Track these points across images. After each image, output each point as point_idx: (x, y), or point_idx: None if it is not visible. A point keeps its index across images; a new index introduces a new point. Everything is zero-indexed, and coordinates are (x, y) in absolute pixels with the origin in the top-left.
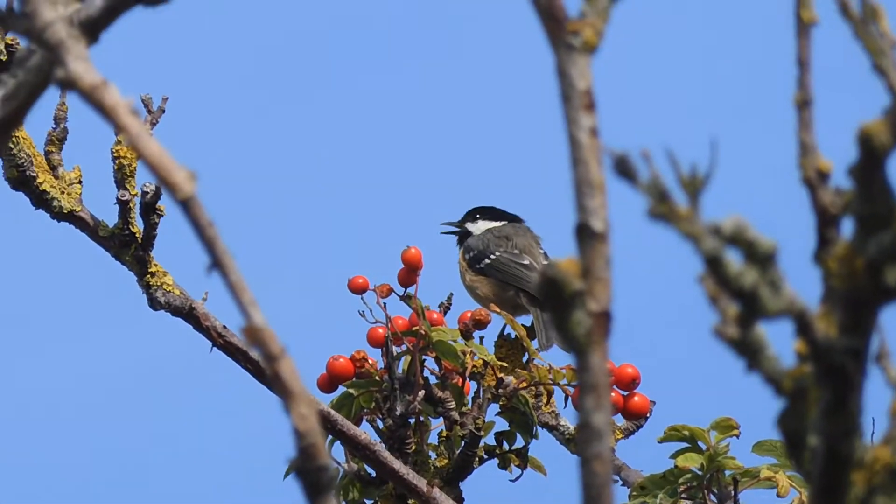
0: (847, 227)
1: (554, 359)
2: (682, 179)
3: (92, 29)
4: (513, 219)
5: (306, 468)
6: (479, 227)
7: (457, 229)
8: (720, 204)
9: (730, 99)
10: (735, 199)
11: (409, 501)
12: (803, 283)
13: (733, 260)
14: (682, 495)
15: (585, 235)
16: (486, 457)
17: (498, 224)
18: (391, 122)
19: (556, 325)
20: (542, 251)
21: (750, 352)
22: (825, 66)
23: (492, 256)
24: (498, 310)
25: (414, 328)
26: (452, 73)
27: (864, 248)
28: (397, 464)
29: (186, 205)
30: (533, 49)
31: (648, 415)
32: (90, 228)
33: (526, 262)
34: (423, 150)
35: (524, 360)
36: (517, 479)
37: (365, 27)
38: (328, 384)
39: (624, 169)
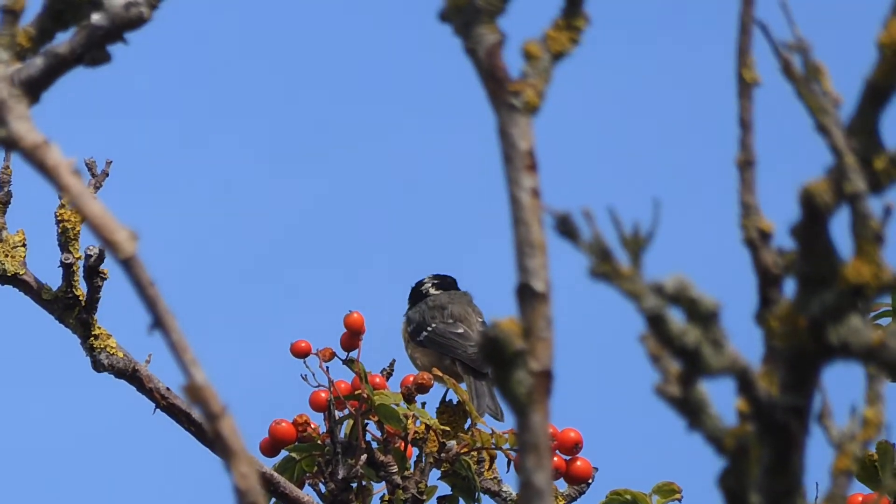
0: (789, 287)
1: (496, 425)
2: (624, 239)
3: (33, 89)
4: (453, 286)
5: None
6: (432, 292)
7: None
8: (662, 264)
9: (672, 159)
10: (677, 258)
11: None
12: (746, 342)
13: (676, 318)
14: None
15: (527, 295)
16: None
17: (432, 295)
18: (335, 185)
19: (498, 385)
20: (479, 319)
21: (692, 410)
22: (768, 126)
23: (429, 328)
24: (441, 374)
25: (356, 392)
26: (393, 135)
27: (806, 307)
28: None
29: (128, 264)
30: (475, 109)
31: (591, 480)
32: (34, 291)
33: (460, 330)
34: (365, 211)
35: (466, 425)
36: None
37: (308, 94)
38: (270, 448)
39: (566, 228)
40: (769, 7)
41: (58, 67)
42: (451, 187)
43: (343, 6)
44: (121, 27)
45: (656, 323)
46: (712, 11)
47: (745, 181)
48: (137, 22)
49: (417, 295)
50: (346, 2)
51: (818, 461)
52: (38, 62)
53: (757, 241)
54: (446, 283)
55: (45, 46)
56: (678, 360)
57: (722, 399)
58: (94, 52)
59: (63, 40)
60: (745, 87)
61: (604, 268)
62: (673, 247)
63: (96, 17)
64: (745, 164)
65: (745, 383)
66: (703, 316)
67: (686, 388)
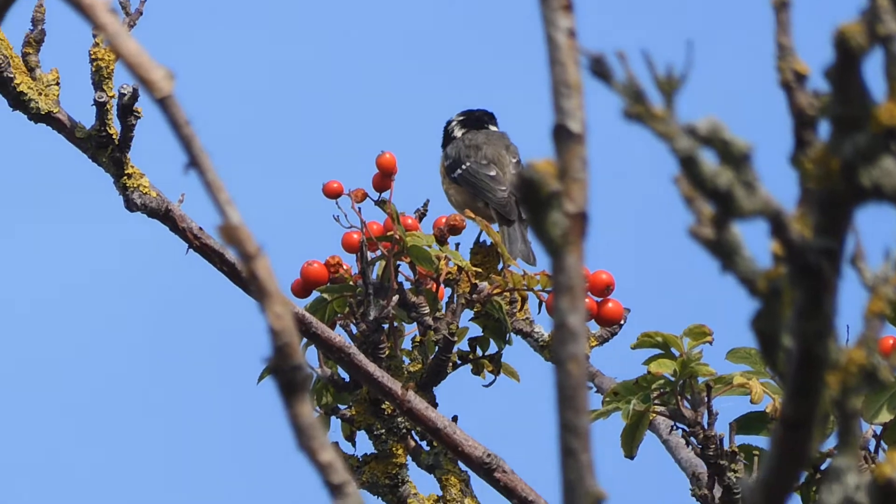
0: (824, 129)
1: (528, 268)
2: (657, 80)
3: None
4: (483, 122)
5: (281, 368)
6: (457, 132)
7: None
8: (696, 105)
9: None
10: (711, 100)
11: (383, 405)
12: (781, 185)
13: (708, 160)
14: (655, 401)
15: (562, 136)
16: (459, 362)
17: (472, 131)
18: (371, 26)
19: (533, 227)
20: (513, 160)
21: (725, 252)
22: None
23: (463, 167)
24: (473, 216)
25: (389, 233)
26: None
27: (839, 150)
28: (372, 367)
29: (164, 103)
30: None
31: (623, 322)
32: (67, 130)
33: (492, 173)
34: (402, 53)
35: (499, 266)
36: (490, 384)
37: None
38: (302, 289)
39: (600, 69)
40: None
41: None
42: (489, 28)
43: None
44: None
45: (689, 165)
46: None
47: (780, 22)
48: None
49: (446, 135)
50: None
51: (851, 304)
52: None
53: (792, 82)
54: (473, 118)
55: None
56: (711, 202)
57: (756, 243)
58: None
59: None
60: None
61: (637, 109)
62: (706, 88)
63: None
64: (781, 6)
65: (777, 226)
66: (735, 158)
67: (719, 230)
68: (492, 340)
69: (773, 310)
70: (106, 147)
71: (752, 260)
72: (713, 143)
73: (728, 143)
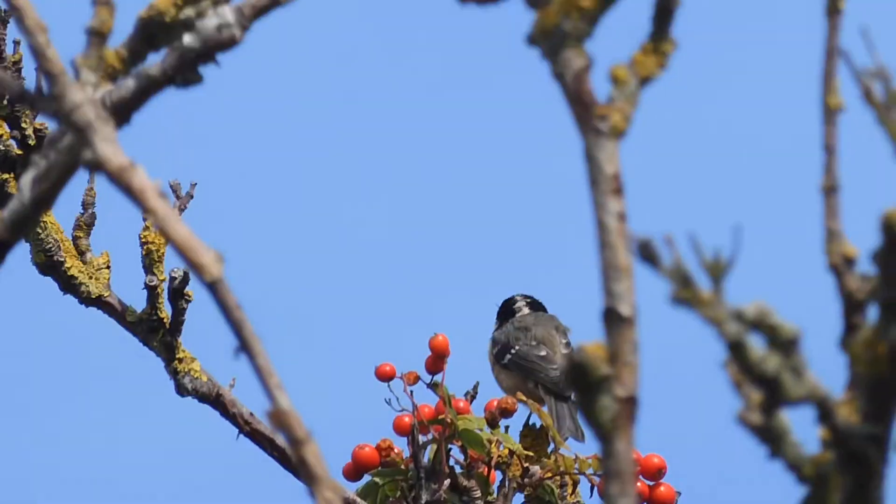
0: (873, 313)
1: (578, 447)
2: (705, 264)
3: (124, 111)
4: (538, 306)
5: None
6: (524, 310)
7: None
8: (744, 289)
9: (755, 184)
10: (759, 284)
11: None
12: (830, 369)
13: (756, 345)
14: None
15: (613, 320)
16: None
17: (521, 314)
18: (418, 208)
19: (583, 410)
20: (564, 340)
21: (773, 438)
22: (849, 152)
23: (513, 351)
24: (524, 399)
25: (440, 416)
26: (477, 155)
27: (887, 334)
28: None
29: (214, 287)
30: (561, 133)
31: None
32: (118, 313)
33: (543, 353)
34: (449, 235)
35: (550, 449)
36: None
37: (387, 108)
38: (354, 473)
39: (647, 253)
40: (850, 34)
41: (149, 88)
42: (537, 209)
43: (423, 28)
44: (213, 49)
45: (737, 350)
46: (796, 37)
47: (829, 207)
48: (229, 43)
49: (508, 312)
50: (426, 24)
51: None
52: (129, 83)
53: (841, 266)
54: (536, 303)
55: (136, 68)
56: (759, 387)
57: (804, 426)
58: (185, 73)
59: (155, 62)
60: (830, 114)
61: (685, 293)
62: (754, 273)
63: (188, 39)
64: (830, 190)
65: (824, 411)
66: (783, 343)
67: (767, 416)
68: None
69: (821, 496)
70: (157, 331)
71: (799, 445)
72: (761, 328)
73: (776, 328)
